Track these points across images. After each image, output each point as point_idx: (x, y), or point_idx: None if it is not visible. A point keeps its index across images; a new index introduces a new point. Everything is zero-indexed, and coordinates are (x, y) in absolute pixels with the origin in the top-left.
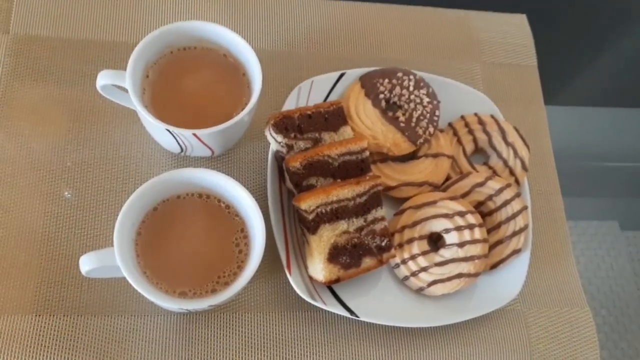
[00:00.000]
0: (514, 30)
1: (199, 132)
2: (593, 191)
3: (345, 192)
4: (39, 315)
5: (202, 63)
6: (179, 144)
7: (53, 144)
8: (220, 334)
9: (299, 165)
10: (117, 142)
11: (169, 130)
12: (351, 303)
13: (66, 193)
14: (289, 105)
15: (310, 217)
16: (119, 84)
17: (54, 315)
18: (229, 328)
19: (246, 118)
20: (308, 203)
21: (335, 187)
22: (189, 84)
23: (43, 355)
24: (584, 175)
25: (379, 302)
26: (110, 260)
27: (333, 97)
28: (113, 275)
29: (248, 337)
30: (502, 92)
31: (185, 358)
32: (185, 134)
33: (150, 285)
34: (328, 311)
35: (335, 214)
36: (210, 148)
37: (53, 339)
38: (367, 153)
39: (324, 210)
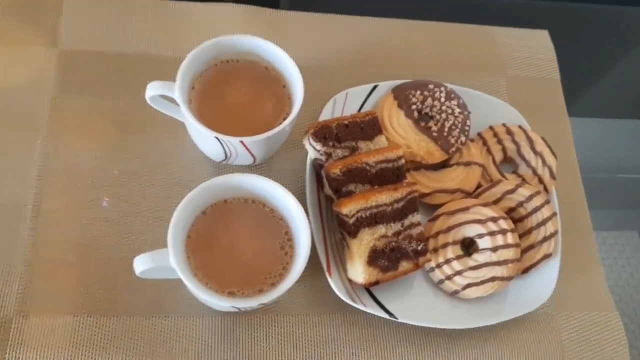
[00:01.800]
0: (537, 45)
1: (246, 139)
2: (612, 202)
3: (384, 197)
4: (89, 316)
5: (244, 75)
6: (224, 151)
7: (100, 154)
8: (262, 334)
9: (339, 172)
10: (161, 152)
11: (217, 138)
12: (389, 305)
13: (104, 202)
14: (325, 116)
15: (351, 221)
16: (167, 95)
17: (103, 316)
18: (271, 329)
19: (288, 127)
20: (349, 208)
21: (374, 193)
22: (232, 95)
23: (94, 355)
24: (603, 186)
25: (415, 304)
26: (164, 260)
27: (366, 109)
28: (164, 276)
29: (289, 338)
30: (526, 104)
31: (229, 358)
32: (233, 141)
33: (202, 285)
34: (365, 313)
35: (375, 219)
36: (253, 155)
37: (103, 339)
38: (403, 161)
39: (363, 215)
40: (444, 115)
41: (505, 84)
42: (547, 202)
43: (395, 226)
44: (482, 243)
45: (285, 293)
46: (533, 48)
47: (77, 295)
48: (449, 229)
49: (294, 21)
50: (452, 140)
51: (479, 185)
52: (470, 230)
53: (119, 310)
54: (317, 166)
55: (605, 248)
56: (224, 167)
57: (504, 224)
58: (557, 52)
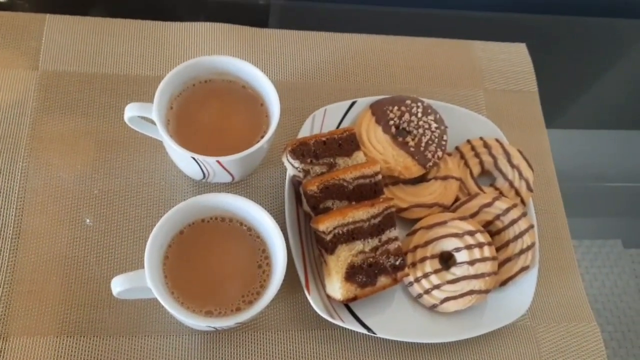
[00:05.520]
0: (514, 58)
1: (222, 159)
2: (596, 211)
3: (361, 213)
4: (70, 337)
5: (222, 95)
6: (202, 170)
7: (81, 173)
8: (242, 352)
9: (316, 189)
10: (141, 171)
11: (194, 158)
12: (368, 320)
13: (87, 220)
14: (304, 132)
15: (328, 237)
16: (145, 116)
17: (84, 337)
18: (251, 347)
19: (265, 145)
20: (326, 224)
21: (350, 209)
22: (211, 114)
23: None
24: (587, 196)
25: (394, 319)
26: (141, 281)
27: (345, 125)
28: (142, 296)
29: (269, 356)
30: (505, 117)
31: None
32: (210, 161)
33: (178, 305)
34: (345, 329)
35: (352, 235)
36: (231, 174)
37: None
38: (380, 176)
39: (340, 231)
40: (421, 131)
41: (484, 97)
42: (524, 214)
43: (373, 242)
44: (460, 256)
45: (262, 311)
46: (511, 61)
47: (58, 316)
48: (427, 243)
49: (274, 39)
50: (429, 155)
51: (457, 199)
52: (448, 244)
53: (100, 331)
54: (296, 183)
55: (589, 257)
56: (203, 185)
57: (480, 237)
58: (535, 64)
